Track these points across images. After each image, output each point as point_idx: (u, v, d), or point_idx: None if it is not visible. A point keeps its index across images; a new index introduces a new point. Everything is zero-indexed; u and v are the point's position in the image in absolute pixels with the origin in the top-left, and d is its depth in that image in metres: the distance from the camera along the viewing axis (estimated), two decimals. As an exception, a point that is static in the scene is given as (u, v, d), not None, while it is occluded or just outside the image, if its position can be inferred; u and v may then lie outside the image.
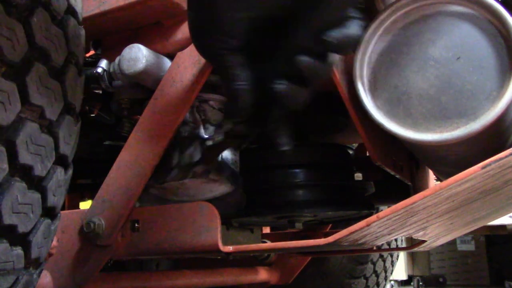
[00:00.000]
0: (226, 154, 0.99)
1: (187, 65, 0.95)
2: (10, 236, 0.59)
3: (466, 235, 4.55)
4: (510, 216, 3.76)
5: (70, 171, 0.72)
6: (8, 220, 0.58)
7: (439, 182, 1.09)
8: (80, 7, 0.74)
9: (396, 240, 1.89)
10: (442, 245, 1.52)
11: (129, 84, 1.02)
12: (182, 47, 0.97)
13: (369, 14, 0.94)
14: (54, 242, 0.82)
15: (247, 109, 0.70)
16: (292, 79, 0.69)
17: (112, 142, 1.27)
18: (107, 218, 0.96)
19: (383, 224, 0.84)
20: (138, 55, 0.94)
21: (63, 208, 0.75)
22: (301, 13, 0.65)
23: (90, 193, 1.68)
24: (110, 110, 1.12)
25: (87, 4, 0.97)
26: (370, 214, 1.11)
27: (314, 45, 0.67)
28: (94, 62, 1.04)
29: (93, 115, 1.16)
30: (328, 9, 0.65)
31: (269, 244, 0.93)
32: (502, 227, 4.09)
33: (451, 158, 0.98)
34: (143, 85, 1.01)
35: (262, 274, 1.63)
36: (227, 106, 0.79)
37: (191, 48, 0.96)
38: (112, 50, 1.03)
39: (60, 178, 0.68)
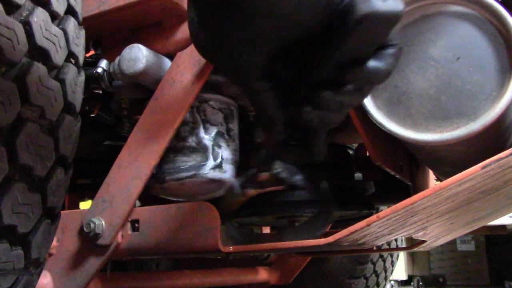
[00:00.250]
0: (227, 154, 0.99)
1: (187, 65, 0.95)
2: (10, 236, 0.59)
3: (466, 235, 4.55)
4: (510, 216, 3.76)
5: (70, 171, 0.72)
6: (8, 220, 0.58)
7: (439, 182, 1.09)
8: (80, 7, 0.74)
9: (396, 240, 1.89)
10: (442, 245, 1.52)
11: (129, 84, 1.02)
12: (182, 47, 0.97)
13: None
14: (54, 242, 0.82)
15: (280, 131, 0.67)
16: (317, 107, 0.63)
17: (112, 142, 1.27)
18: (107, 218, 0.96)
19: (383, 224, 0.84)
20: (138, 55, 0.94)
21: (63, 208, 0.75)
22: (326, 44, 0.59)
23: (90, 193, 1.68)
24: (110, 110, 1.12)
25: (87, 4, 0.97)
26: (370, 214, 1.12)
27: (336, 77, 0.61)
28: (94, 62, 1.04)
29: (93, 115, 1.16)
30: (353, 43, 0.57)
31: (269, 244, 0.93)
32: (502, 227, 4.09)
33: (451, 158, 0.98)
34: (143, 85, 1.01)
35: (262, 274, 1.63)
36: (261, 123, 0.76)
37: (191, 48, 0.96)
38: (112, 50, 1.03)
39: (60, 178, 0.67)
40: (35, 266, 0.66)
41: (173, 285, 1.33)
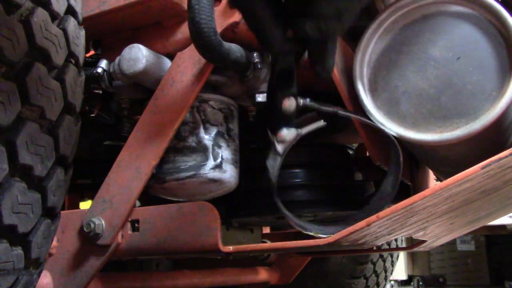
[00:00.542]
0: (227, 154, 0.99)
1: (187, 65, 0.95)
2: (10, 236, 0.59)
3: (466, 235, 4.55)
4: (510, 216, 3.76)
5: (70, 171, 0.72)
6: (8, 220, 0.58)
7: (439, 182, 1.09)
8: (80, 7, 0.74)
9: (396, 240, 1.89)
10: (442, 245, 1.52)
11: (129, 84, 1.02)
12: (182, 47, 0.97)
13: (369, 14, 0.94)
14: (54, 242, 0.82)
15: (280, 44, 0.70)
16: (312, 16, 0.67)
17: (112, 142, 1.27)
18: (107, 218, 0.96)
19: (383, 224, 0.84)
20: (138, 55, 0.94)
21: (63, 208, 0.75)
22: None
23: (90, 193, 1.68)
24: (110, 110, 1.12)
25: (87, 4, 0.97)
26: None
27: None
28: (94, 62, 1.04)
29: (93, 115, 1.16)
30: None
31: (269, 244, 0.93)
32: (502, 227, 4.09)
33: (451, 158, 0.98)
34: (143, 85, 1.01)
35: (262, 274, 1.63)
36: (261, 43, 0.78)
37: (191, 48, 0.96)
38: (112, 50, 1.04)
39: (60, 178, 0.67)
40: (35, 266, 0.66)
41: (173, 285, 1.33)
